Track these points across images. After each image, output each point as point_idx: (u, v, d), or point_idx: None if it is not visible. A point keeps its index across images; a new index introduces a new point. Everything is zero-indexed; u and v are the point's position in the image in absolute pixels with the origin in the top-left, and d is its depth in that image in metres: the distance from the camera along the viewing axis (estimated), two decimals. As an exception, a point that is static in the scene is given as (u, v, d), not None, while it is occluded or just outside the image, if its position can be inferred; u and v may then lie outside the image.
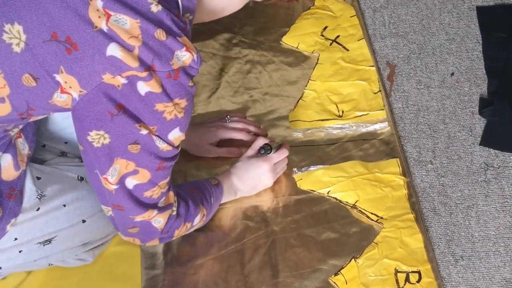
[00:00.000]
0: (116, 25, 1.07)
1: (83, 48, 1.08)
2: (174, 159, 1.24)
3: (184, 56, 1.11)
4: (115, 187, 1.22)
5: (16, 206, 1.29)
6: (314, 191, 1.60)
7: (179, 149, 1.24)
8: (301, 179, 1.62)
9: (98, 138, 1.16)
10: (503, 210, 1.59)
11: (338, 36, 1.89)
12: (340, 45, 1.87)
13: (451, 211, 1.59)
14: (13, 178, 1.28)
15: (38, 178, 1.34)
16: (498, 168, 1.66)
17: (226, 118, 1.66)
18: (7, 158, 1.27)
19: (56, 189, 1.36)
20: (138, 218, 1.27)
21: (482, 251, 1.54)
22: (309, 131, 1.71)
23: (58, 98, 1.13)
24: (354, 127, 1.71)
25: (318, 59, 1.84)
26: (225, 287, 1.47)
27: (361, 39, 1.88)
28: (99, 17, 1.07)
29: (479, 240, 1.55)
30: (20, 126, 1.27)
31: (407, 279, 1.46)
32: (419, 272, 1.47)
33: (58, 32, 1.08)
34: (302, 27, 1.91)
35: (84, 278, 1.49)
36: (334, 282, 1.46)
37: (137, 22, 1.08)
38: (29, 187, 1.32)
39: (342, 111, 1.73)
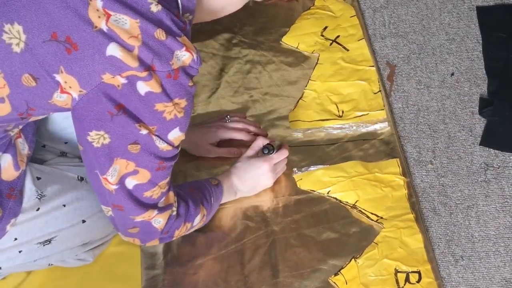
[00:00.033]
0: (116, 25, 1.07)
1: (83, 48, 1.08)
2: (174, 159, 1.24)
3: (184, 56, 1.11)
4: (115, 187, 1.22)
5: (16, 206, 1.29)
6: (314, 191, 1.60)
7: (179, 149, 1.24)
8: (301, 179, 1.62)
9: (98, 138, 1.16)
10: (503, 210, 1.59)
11: (338, 36, 1.89)
12: (340, 45, 1.87)
13: (451, 211, 1.59)
14: (13, 178, 1.28)
15: (38, 178, 1.34)
16: (498, 168, 1.66)
17: (226, 118, 1.66)
18: (7, 158, 1.27)
19: (56, 189, 1.36)
20: (138, 218, 1.27)
21: (482, 251, 1.54)
22: (309, 131, 1.71)
23: (58, 98, 1.13)
24: (354, 127, 1.71)
25: (318, 59, 1.84)
26: (225, 287, 1.47)
27: (361, 39, 1.88)
28: (99, 17, 1.07)
29: (479, 240, 1.55)
30: (20, 126, 1.27)
31: (407, 279, 1.46)
32: (419, 272, 1.47)
33: (58, 32, 1.08)
34: (302, 27, 1.91)
35: (84, 278, 1.49)
36: (334, 282, 1.46)
37: (136, 22, 1.08)
38: (29, 187, 1.32)
39: (342, 111, 1.73)
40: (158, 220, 1.29)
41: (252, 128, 1.66)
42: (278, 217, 1.57)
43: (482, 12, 1.96)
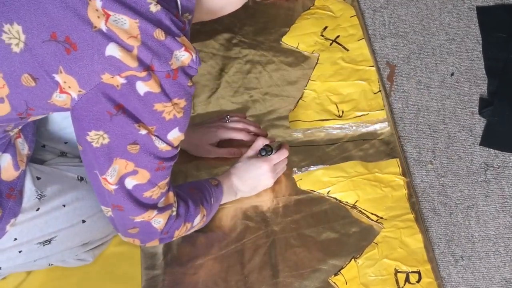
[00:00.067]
0: (115, 25, 1.07)
1: (82, 48, 1.08)
2: (173, 159, 1.24)
3: (183, 56, 1.11)
4: (114, 187, 1.22)
5: (15, 206, 1.29)
6: (314, 191, 1.60)
7: (179, 149, 1.24)
8: (301, 179, 1.62)
9: (97, 138, 1.16)
10: (503, 210, 1.59)
11: (338, 36, 1.89)
12: (340, 45, 1.87)
13: (451, 211, 1.59)
14: (12, 178, 1.28)
15: (38, 178, 1.34)
16: (498, 168, 1.66)
17: (226, 118, 1.66)
18: (7, 158, 1.27)
19: (56, 189, 1.36)
20: (138, 219, 1.27)
21: (482, 251, 1.53)
22: (309, 131, 1.71)
23: (57, 98, 1.13)
24: (354, 127, 1.71)
25: (318, 59, 1.84)
26: (225, 287, 1.47)
27: (361, 39, 1.88)
28: (98, 17, 1.07)
29: (479, 240, 1.55)
30: (20, 126, 1.28)
31: (407, 279, 1.46)
32: (419, 272, 1.47)
33: (57, 32, 1.08)
34: (302, 27, 1.91)
35: (84, 278, 1.49)
36: (334, 282, 1.46)
37: (136, 22, 1.08)
38: (29, 187, 1.32)
39: (342, 111, 1.73)
40: (158, 220, 1.29)
41: (252, 128, 1.66)
42: (278, 217, 1.57)
43: (482, 12, 1.96)
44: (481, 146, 1.70)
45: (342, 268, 1.48)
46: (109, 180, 1.21)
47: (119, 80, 1.10)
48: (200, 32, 1.86)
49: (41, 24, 1.08)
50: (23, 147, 1.31)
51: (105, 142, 1.16)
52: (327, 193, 1.59)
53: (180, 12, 1.15)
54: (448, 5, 1.98)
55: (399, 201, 1.58)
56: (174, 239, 1.37)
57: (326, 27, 1.91)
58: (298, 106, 1.75)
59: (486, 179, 1.64)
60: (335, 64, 1.82)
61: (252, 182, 1.54)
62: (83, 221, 1.40)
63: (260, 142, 1.56)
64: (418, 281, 1.46)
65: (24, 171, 1.31)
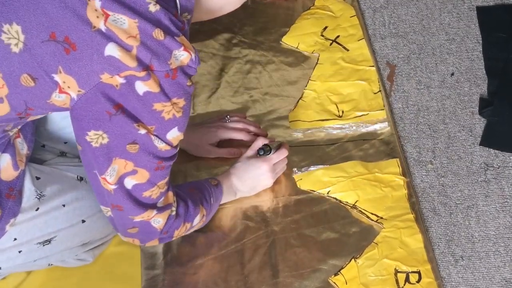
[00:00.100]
0: (114, 25, 1.07)
1: (82, 48, 1.08)
2: (172, 159, 1.24)
3: (182, 56, 1.11)
4: (114, 187, 1.22)
5: (15, 206, 1.29)
6: (314, 191, 1.60)
7: (178, 148, 1.24)
8: (301, 179, 1.62)
9: (96, 138, 1.16)
10: (503, 210, 1.59)
11: (338, 36, 1.89)
12: (340, 45, 1.87)
13: (451, 211, 1.59)
14: (12, 178, 1.28)
15: (38, 178, 1.34)
16: (498, 168, 1.66)
17: (226, 118, 1.66)
18: (6, 158, 1.27)
19: (55, 189, 1.36)
20: (137, 218, 1.27)
21: (482, 251, 1.53)
22: (309, 131, 1.71)
23: (57, 98, 1.13)
24: (354, 127, 1.71)
25: (318, 59, 1.84)
26: (225, 287, 1.47)
27: (361, 39, 1.88)
28: (97, 17, 1.07)
29: (479, 240, 1.55)
30: (19, 126, 1.28)
31: (407, 279, 1.46)
32: (419, 272, 1.47)
33: (56, 32, 1.08)
34: (302, 27, 1.91)
35: (84, 278, 1.49)
36: (334, 282, 1.46)
37: (135, 22, 1.08)
38: (28, 187, 1.32)
39: (342, 111, 1.73)
40: (157, 220, 1.29)
41: (252, 128, 1.66)
42: (278, 217, 1.57)
43: (482, 12, 1.96)
44: (481, 146, 1.70)
45: (342, 268, 1.48)
46: (109, 180, 1.21)
47: (118, 80, 1.10)
48: (200, 32, 1.86)
49: (40, 24, 1.08)
50: (23, 147, 1.31)
51: (104, 142, 1.16)
52: (327, 193, 1.59)
53: (179, 12, 1.15)
54: (448, 5, 1.98)
55: (399, 201, 1.58)
56: (173, 239, 1.37)
57: (326, 27, 1.91)
58: (298, 106, 1.75)
59: (486, 179, 1.64)
60: (335, 64, 1.82)
61: (252, 182, 1.54)
62: (83, 221, 1.40)
63: (259, 142, 1.56)
64: (418, 281, 1.46)
65: (23, 171, 1.31)
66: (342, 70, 1.81)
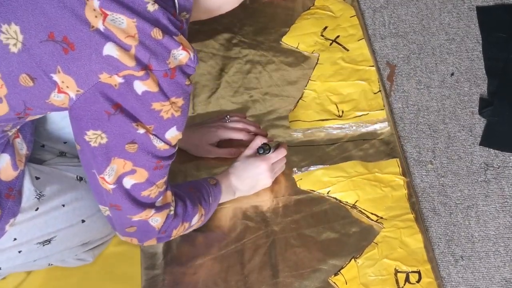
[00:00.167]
0: (113, 24, 1.08)
1: (80, 48, 1.08)
2: (171, 158, 1.24)
3: (181, 55, 1.11)
4: (112, 186, 1.22)
5: (14, 206, 1.29)
6: (314, 191, 1.60)
7: (176, 148, 1.24)
8: (301, 179, 1.62)
9: (95, 137, 1.16)
10: (503, 210, 1.59)
11: (338, 36, 1.89)
12: (340, 45, 1.87)
13: (451, 211, 1.59)
14: (11, 178, 1.28)
15: (37, 178, 1.34)
16: (498, 168, 1.66)
17: (226, 118, 1.66)
18: (5, 158, 1.27)
19: (55, 189, 1.36)
20: (136, 218, 1.27)
21: (482, 251, 1.53)
22: (309, 131, 1.71)
23: (55, 98, 1.13)
24: (354, 127, 1.71)
25: (318, 59, 1.84)
26: (225, 287, 1.47)
27: (361, 39, 1.88)
28: (96, 16, 1.07)
29: (479, 240, 1.55)
30: (18, 126, 1.28)
31: (407, 279, 1.46)
32: (419, 272, 1.47)
33: (55, 32, 1.08)
34: (302, 27, 1.91)
35: (84, 278, 1.49)
36: (334, 282, 1.46)
37: (133, 21, 1.08)
38: (28, 187, 1.32)
39: (342, 111, 1.73)
40: (156, 219, 1.29)
41: (252, 128, 1.66)
42: (278, 217, 1.57)
43: (482, 12, 1.96)
44: (481, 146, 1.70)
45: (342, 268, 1.48)
46: (107, 180, 1.21)
47: (117, 80, 1.10)
48: (200, 32, 1.86)
49: (39, 24, 1.08)
50: (22, 147, 1.31)
51: (103, 142, 1.17)
52: (327, 193, 1.59)
53: (177, 11, 1.15)
54: (448, 5, 1.98)
55: (399, 201, 1.58)
56: (172, 238, 1.37)
57: (326, 27, 1.90)
58: (298, 106, 1.75)
59: (486, 179, 1.64)
60: (335, 64, 1.82)
61: (251, 181, 1.54)
62: (83, 221, 1.40)
63: (258, 142, 1.56)
64: (418, 281, 1.46)
65: (23, 171, 1.31)
66: (342, 70, 1.81)
